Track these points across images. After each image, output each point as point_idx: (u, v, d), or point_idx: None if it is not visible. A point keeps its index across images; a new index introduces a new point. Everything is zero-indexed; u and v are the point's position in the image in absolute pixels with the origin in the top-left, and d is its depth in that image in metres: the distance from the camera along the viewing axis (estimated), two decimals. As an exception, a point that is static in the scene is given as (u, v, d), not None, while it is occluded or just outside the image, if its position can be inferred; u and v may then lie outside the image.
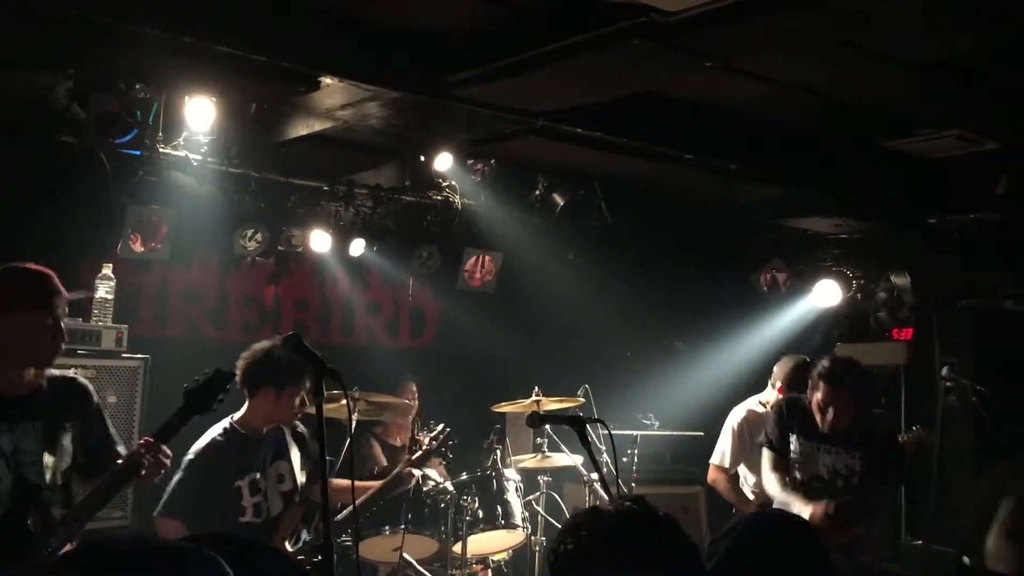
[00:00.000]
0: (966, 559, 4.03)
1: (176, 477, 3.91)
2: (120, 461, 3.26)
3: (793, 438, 4.75)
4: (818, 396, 4.65)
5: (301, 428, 4.29)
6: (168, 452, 3.25)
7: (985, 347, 7.00)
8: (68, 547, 3.03)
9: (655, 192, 6.96)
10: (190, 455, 3.98)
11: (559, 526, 6.20)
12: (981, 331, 7.08)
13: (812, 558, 2.02)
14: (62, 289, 3.17)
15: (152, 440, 3.19)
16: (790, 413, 4.81)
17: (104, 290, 5.37)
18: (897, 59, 4.53)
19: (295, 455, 4.14)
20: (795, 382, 5.49)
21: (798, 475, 4.71)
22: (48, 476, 3.13)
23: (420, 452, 4.80)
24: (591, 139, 5.59)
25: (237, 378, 4.03)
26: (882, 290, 7.81)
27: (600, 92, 4.88)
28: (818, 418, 4.66)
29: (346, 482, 4.40)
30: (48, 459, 3.13)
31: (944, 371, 6.35)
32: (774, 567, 1.98)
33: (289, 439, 4.17)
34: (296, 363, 3.98)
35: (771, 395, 5.69)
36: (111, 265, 5.46)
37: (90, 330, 5.17)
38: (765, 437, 4.87)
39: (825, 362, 4.72)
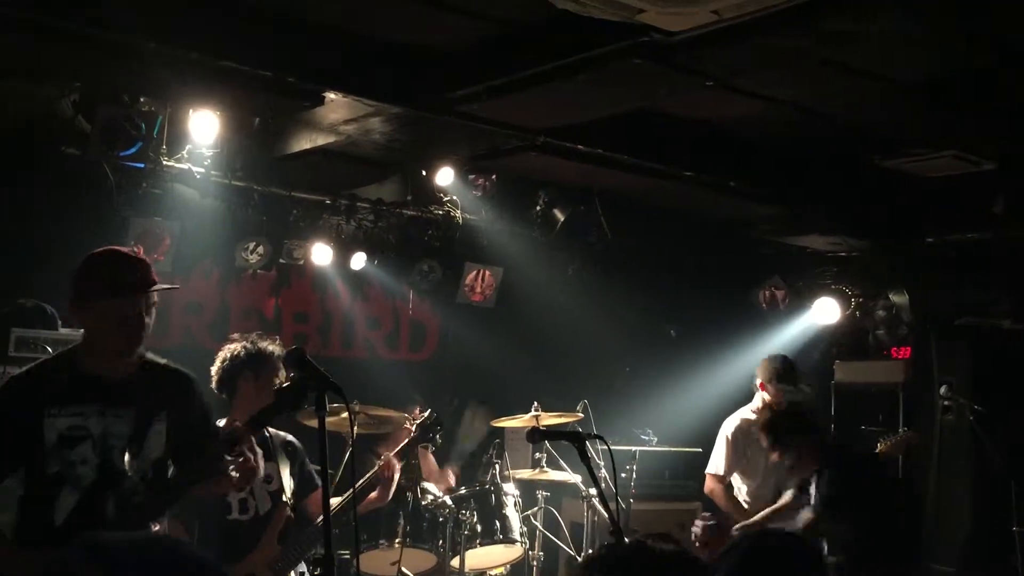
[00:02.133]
0: None
1: None
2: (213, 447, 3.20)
3: None
4: None
5: (291, 439, 4.29)
6: (255, 448, 3.23)
7: (983, 366, 7.02)
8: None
9: (655, 208, 6.99)
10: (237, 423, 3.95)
11: (557, 541, 6.24)
12: (979, 350, 7.11)
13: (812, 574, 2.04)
14: (152, 278, 3.14)
15: (247, 426, 3.15)
16: None
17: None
18: (893, 79, 4.57)
19: (282, 461, 4.14)
20: (775, 376, 5.66)
21: None
22: (136, 464, 3.10)
23: (403, 443, 4.69)
24: (592, 155, 5.63)
25: (213, 384, 4.07)
26: (880, 308, 7.83)
27: (601, 110, 4.93)
28: None
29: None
30: (135, 447, 3.10)
31: (942, 390, 6.37)
32: None
33: (277, 445, 4.17)
34: (266, 350, 4.03)
35: (759, 400, 5.74)
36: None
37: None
38: None
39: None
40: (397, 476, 4.54)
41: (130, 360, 3.15)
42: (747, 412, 5.85)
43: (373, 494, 4.48)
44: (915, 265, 7.37)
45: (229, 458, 3.16)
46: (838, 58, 4.28)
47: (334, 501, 4.38)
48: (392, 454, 4.52)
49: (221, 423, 4.00)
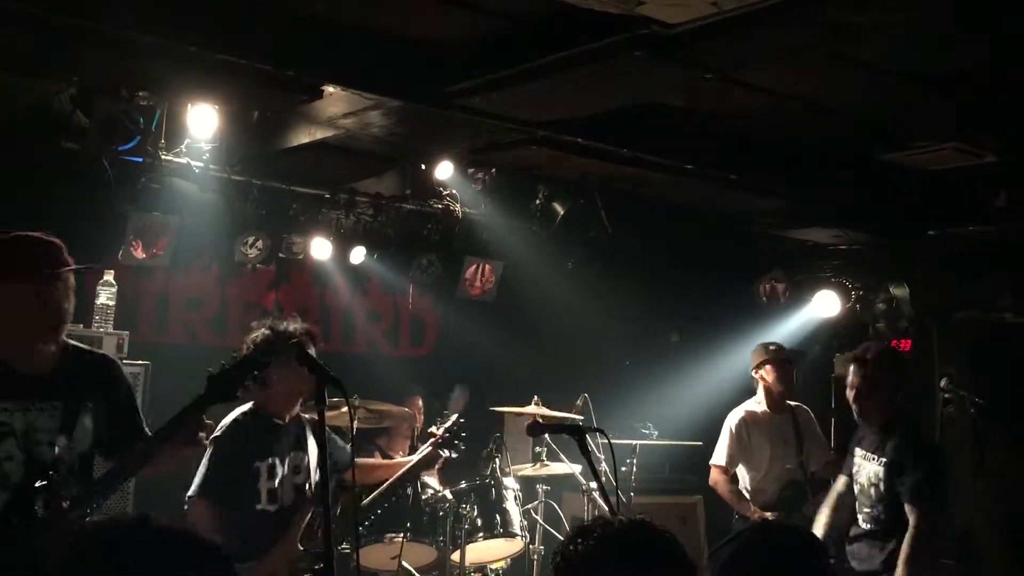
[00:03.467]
0: None
1: (207, 454, 3.84)
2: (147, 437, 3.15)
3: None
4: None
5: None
6: (205, 423, 3.19)
7: (983, 359, 7.01)
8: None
9: (655, 202, 6.98)
10: (216, 432, 3.89)
11: (557, 535, 6.24)
12: (979, 343, 7.10)
13: (814, 570, 2.03)
14: (67, 259, 3.05)
15: (158, 437, 3.09)
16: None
17: (105, 296, 5.39)
18: (894, 71, 4.55)
19: (312, 450, 4.09)
20: (760, 356, 5.75)
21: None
22: (64, 457, 3.02)
23: (441, 437, 4.60)
24: (592, 149, 5.62)
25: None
26: (881, 301, 7.81)
27: (601, 103, 4.91)
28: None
29: (374, 460, 4.37)
30: (64, 441, 3.03)
31: (942, 382, 6.36)
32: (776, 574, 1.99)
33: (308, 433, 4.12)
34: (298, 349, 3.95)
35: (761, 393, 5.77)
36: (112, 271, 5.47)
37: (91, 336, 5.18)
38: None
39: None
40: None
41: (51, 349, 3.06)
42: (751, 404, 5.88)
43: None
44: (916, 258, 7.36)
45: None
46: (839, 51, 4.26)
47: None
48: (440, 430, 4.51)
49: (245, 405, 4.00)
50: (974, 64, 4.46)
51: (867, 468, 4.58)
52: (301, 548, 3.93)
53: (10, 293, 2.96)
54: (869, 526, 4.52)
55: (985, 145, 5.46)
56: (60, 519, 2.91)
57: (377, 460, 4.41)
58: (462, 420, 4.77)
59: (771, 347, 5.85)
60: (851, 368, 4.65)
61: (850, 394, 4.65)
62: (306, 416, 4.19)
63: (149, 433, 3.25)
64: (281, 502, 3.98)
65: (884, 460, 4.47)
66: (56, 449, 3.01)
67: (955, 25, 3.98)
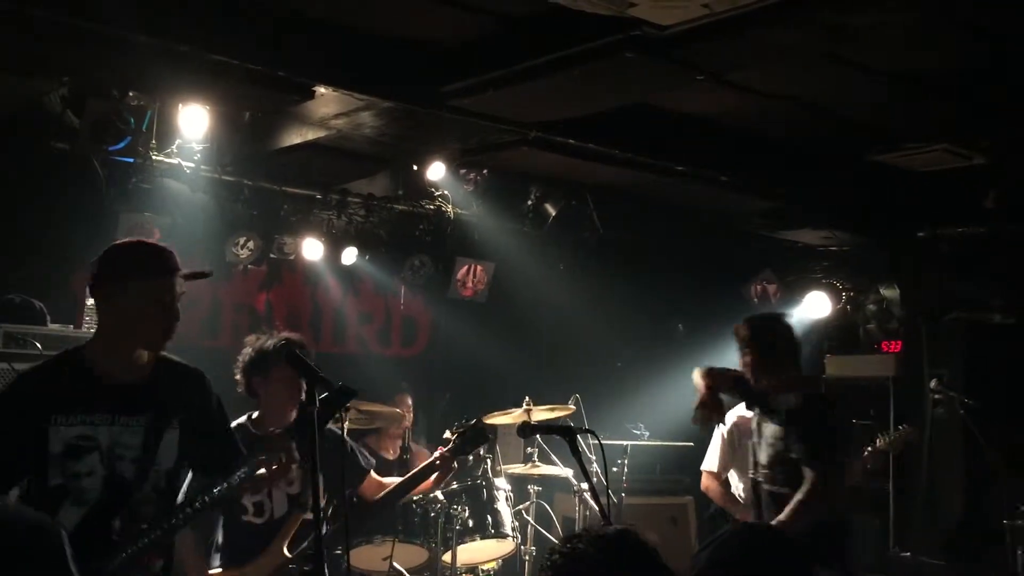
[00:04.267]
0: None
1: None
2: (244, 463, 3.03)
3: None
4: None
5: (330, 429, 4.11)
6: (296, 456, 3.05)
7: (973, 360, 7.04)
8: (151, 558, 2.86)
9: (647, 203, 6.99)
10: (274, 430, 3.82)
11: (549, 536, 6.24)
12: (969, 344, 7.13)
13: (794, 572, 2.04)
14: (180, 266, 2.99)
15: (284, 433, 3.03)
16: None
17: (96, 297, 5.37)
18: (886, 73, 4.57)
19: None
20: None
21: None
22: (147, 475, 2.90)
23: (457, 438, 4.35)
24: (584, 150, 5.62)
25: (240, 376, 3.98)
26: (871, 302, 7.85)
27: (593, 104, 4.92)
28: None
29: (375, 479, 4.32)
30: (146, 458, 2.90)
31: (932, 384, 6.39)
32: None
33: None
34: (266, 348, 3.91)
35: None
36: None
37: (81, 337, 5.16)
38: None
39: None
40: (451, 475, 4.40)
41: (146, 361, 2.97)
42: (742, 409, 5.83)
43: (428, 481, 4.33)
44: (906, 259, 7.39)
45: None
46: (832, 52, 4.28)
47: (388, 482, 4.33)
48: (445, 451, 4.28)
49: (237, 420, 3.95)
50: (965, 66, 4.49)
51: (766, 431, 4.57)
52: (288, 555, 3.88)
53: (146, 289, 2.90)
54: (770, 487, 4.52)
55: (975, 147, 5.49)
56: (133, 540, 2.80)
57: (394, 480, 4.32)
58: (481, 425, 4.63)
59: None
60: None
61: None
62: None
63: (243, 449, 3.17)
64: (270, 514, 3.93)
65: (782, 423, 4.48)
66: (138, 467, 2.89)
67: (948, 27, 4.00)
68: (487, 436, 4.50)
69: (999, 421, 6.14)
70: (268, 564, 3.83)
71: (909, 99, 4.91)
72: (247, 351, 4.00)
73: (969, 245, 6.93)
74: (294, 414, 4.00)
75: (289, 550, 3.91)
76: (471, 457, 5.35)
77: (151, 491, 2.91)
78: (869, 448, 5.81)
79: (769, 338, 4.70)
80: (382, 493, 4.21)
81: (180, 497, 3.05)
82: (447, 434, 4.82)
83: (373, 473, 4.26)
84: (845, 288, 7.90)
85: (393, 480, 4.30)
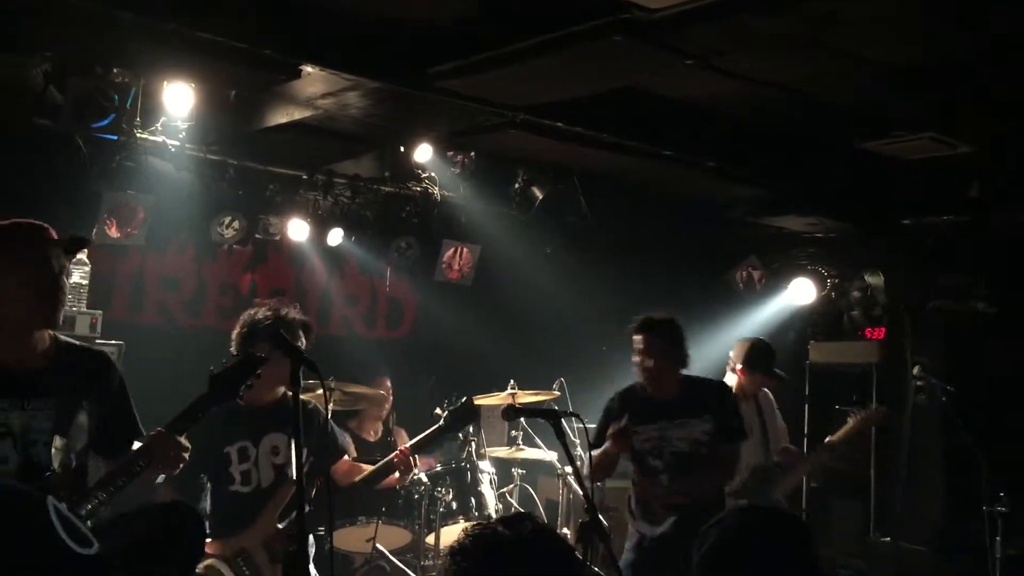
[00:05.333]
0: None
1: None
2: (134, 450, 3.03)
3: (640, 427, 4.53)
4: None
5: (312, 404, 4.18)
6: (185, 444, 3.06)
7: (955, 348, 7.09)
8: None
9: (634, 188, 6.99)
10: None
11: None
12: (952, 332, 7.18)
13: (800, 553, 2.05)
14: (54, 238, 2.92)
15: (164, 431, 3.02)
16: (623, 403, 4.64)
17: (79, 275, 5.34)
18: (873, 61, 4.57)
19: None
20: (753, 361, 5.50)
21: (656, 462, 4.52)
22: (60, 458, 2.90)
23: (428, 432, 4.30)
24: (571, 134, 5.61)
25: (234, 348, 3.94)
26: (856, 289, 7.89)
27: (581, 87, 4.90)
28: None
29: (350, 462, 4.31)
30: (59, 441, 2.91)
31: (915, 370, 6.43)
32: (762, 561, 2.00)
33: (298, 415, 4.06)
34: (287, 317, 3.89)
35: (732, 379, 5.70)
36: (86, 250, 5.42)
37: (64, 315, 5.13)
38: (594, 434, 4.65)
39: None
40: (416, 469, 4.31)
41: (43, 344, 2.95)
42: None
43: (392, 478, 4.34)
44: (891, 247, 7.42)
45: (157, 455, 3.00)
46: (820, 39, 4.27)
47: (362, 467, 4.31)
48: (408, 447, 4.20)
49: None
50: (953, 56, 4.49)
51: (683, 432, 4.53)
52: (280, 527, 3.90)
53: (29, 273, 2.85)
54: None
55: (961, 136, 5.50)
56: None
57: (366, 468, 4.31)
58: (471, 403, 4.62)
59: (756, 354, 5.53)
60: (634, 339, 4.60)
61: (638, 366, 4.58)
62: (305, 399, 4.13)
63: (143, 433, 3.16)
64: (257, 483, 3.94)
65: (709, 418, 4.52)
66: (53, 450, 2.90)
67: (937, 17, 4.00)
68: (477, 413, 4.54)
69: (980, 408, 6.19)
70: (259, 534, 3.85)
71: (896, 87, 4.91)
72: (258, 313, 3.97)
73: (953, 234, 6.96)
74: (281, 387, 4.00)
75: (279, 520, 3.92)
76: (460, 436, 5.34)
77: (64, 475, 2.91)
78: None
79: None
80: (354, 479, 4.19)
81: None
82: (438, 411, 4.84)
83: (347, 457, 4.25)
84: (830, 275, 7.93)
85: (366, 467, 4.31)
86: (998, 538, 5.37)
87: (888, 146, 5.75)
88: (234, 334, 3.98)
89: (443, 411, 4.63)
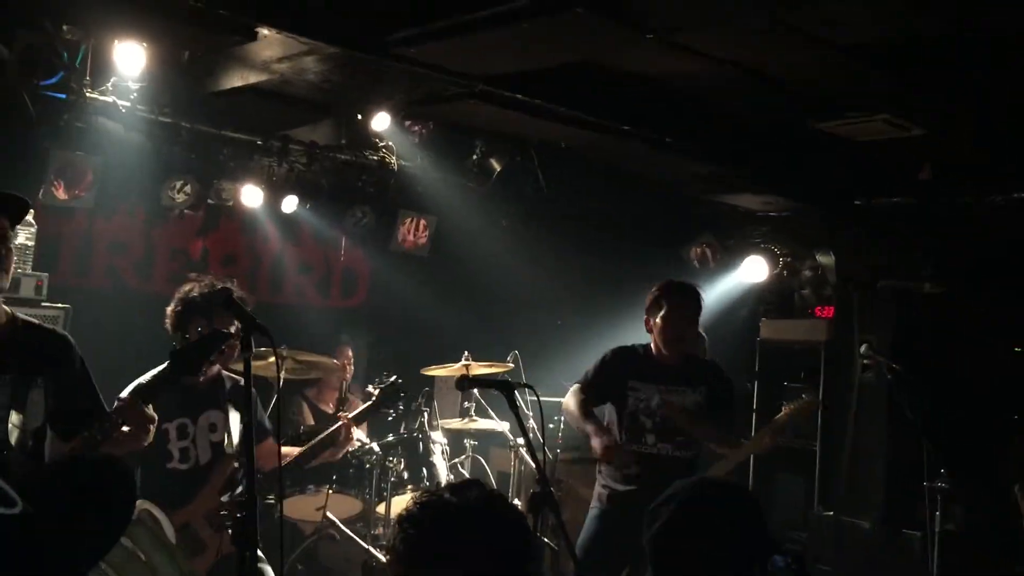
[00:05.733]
0: None
1: None
2: (103, 414, 3.00)
3: (637, 384, 4.62)
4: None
5: (237, 384, 4.13)
6: (152, 416, 3.04)
7: (902, 327, 7.23)
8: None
9: (591, 162, 6.99)
10: (125, 394, 3.84)
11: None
12: (899, 312, 7.32)
13: (752, 525, 2.08)
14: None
15: (131, 398, 2.98)
16: (622, 359, 4.72)
17: (24, 236, 5.21)
18: (831, 42, 4.60)
19: (232, 408, 4.03)
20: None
21: (646, 420, 4.58)
22: (15, 436, 2.87)
23: (361, 408, 4.61)
24: (530, 106, 5.58)
25: (169, 328, 3.91)
26: (807, 268, 8.00)
27: (541, 59, 4.88)
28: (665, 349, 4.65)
29: (289, 449, 4.31)
30: (15, 417, 2.88)
31: (862, 349, 6.54)
32: (714, 535, 2.03)
33: (228, 391, 4.05)
34: (225, 295, 3.85)
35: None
36: (32, 211, 5.29)
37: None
38: (584, 374, 4.77)
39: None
40: (352, 442, 4.43)
41: (4, 322, 2.92)
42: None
43: (327, 452, 4.40)
44: (842, 227, 7.52)
45: (119, 423, 2.97)
46: (779, 19, 4.29)
47: (287, 452, 4.33)
48: (351, 417, 4.41)
49: (161, 366, 3.85)
50: (908, 39, 4.53)
51: (677, 399, 4.60)
52: (222, 500, 3.91)
53: None
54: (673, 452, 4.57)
55: (914, 119, 5.57)
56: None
57: (294, 450, 4.33)
58: (400, 380, 4.74)
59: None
60: (676, 304, 4.61)
61: (673, 330, 4.58)
62: (229, 374, 4.13)
63: (107, 409, 3.11)
64: (195, 460, 3.94)
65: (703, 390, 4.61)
66: (8, 426, 2.85)
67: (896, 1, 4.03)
68: (402, 390, 4.68)
69: (924, 386, 6.32)
70: (200, 509, 3.84)
71: (856, 69, 4.96)
72: (192, 290, 3.90)
73: (903, 215, 7.07)
74: (217, 367, 3.99)
75: (221, 495, 3.93)
76: (393, 413, 5.36)
77: (20, 452, 2.87)
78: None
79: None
80: (278, 463, 4.18)
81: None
82: (370, 388, 4.91)
83: (271, 441, 4.19)
84: (782, 253, 8.02)
85: (292, 451, 4.30)
86: (937, 513, 5.50)
87: (842, 127, 5.81)
88: (168, 311, 3.91)
89: (375, 388, 4.81)
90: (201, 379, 3.95)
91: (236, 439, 4.02)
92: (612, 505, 4.57)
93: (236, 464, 4.00)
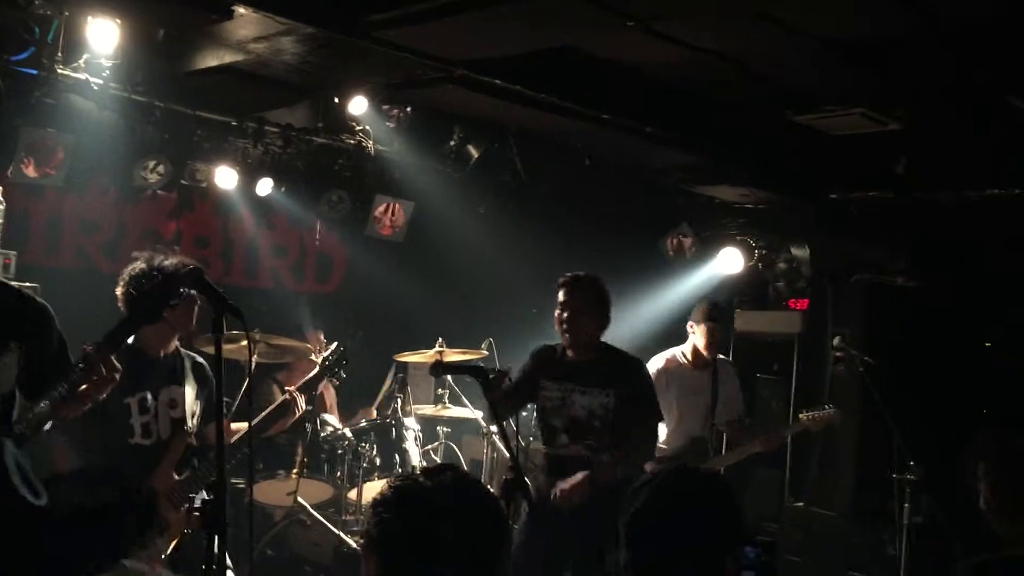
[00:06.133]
0: None
1: None
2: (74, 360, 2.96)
3: (547, 383, 4.54)
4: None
5: (202, 361, 4.16)
6: (117, 365, 3.01)
7: (875, 320, 7.29)
8: None
9: (570, 150, 6.97)
10: (89, 345, 3.78)
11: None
12: (872, 305, 7.37)
13: (727, 513, 2.08)
14: None
15: (100, 345, 2.93)
16: (537, 358, 4.65)
17: (-8, 214, 5.13)
18: (812, 35, 4.61)
19: (189, 385, 4.02)
20: (708, 312, 5.69)
21: (556, 421, 4.51)
22: None
23: (308, 376, 4.58)
24: (509, 92, 5.54)
25: (121, 305, 3.87)
26: (782, 260, 8.04)
27: (521, 44, 4.84)
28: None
29: (237, 424, 4.28)
30: None
31: (835, 341, 6.58)
32: (691, 521, 2.03)
33: (187, 368, 4.04)
34: (166, 269, 3.79)
35: (690, 343, 5.73)
36: (0, 188, 5.21)
37: (-24, 255, 4.94)
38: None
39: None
40: (301, 411, 4.41)
41: None
42: (676, 352, 5.73)
43: (278, 424, 4.38)
44: (817, 220, 7.56)
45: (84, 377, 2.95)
46: (760, 10, 4.28)
47: (236, 429, 4.30)
48: (295, 389, 4.42)
49: None
50: (887, 34, 4.54)
51: (585, 400, 4.48)
52: (177, 478, 3.90)
53: None
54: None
55: (890, 113, 5.60)
56: None
57: (237, 425, 4.30)
58: (342, 348, 4.73)
59: (711, 308, 5.72)
60: (561, 297, 4.59)
61: (559, 324, 4.56)
62: (188, 352, 4.10)
63: None
64: (157, 436, 3.91)
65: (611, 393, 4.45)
66: None
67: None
68: (344, 361, 4.65)
69: (894, 378, 6.38)
70: (158, 485, 3.80)
71: (832, 62, 4.96)
72: (137, 268, 3.86)
73: (878, 209, 7.11)
74: (175, 341, 3.95)
75: (177, 472, 3.92)
76: (337, 381, 5.32)
77: None
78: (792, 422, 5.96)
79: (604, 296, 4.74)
80: (232, 438, 4.14)
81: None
82: (312, 357, 4.92)
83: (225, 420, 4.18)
84: (758, 245, 8.05)
85: (242, 426, 4.27)
86: (906, 505, 5.56)
87: (819, 120, 5.83)
88: (118, 292, 3.86)
89: (316, 356, 4.97)
90: (162, 353, 3.95)
91: (194, 415, 4.00)
92: (537, 515, 4.39)
93: (192, 440, 3.99)
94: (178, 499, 3.87)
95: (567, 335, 4.55)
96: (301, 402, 4.31)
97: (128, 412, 3.83)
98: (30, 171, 5.55)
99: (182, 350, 4.07)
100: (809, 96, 5.57)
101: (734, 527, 2.07)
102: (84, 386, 2.99)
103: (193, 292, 3.61)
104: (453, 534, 1.78)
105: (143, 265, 3.84)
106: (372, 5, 4.50)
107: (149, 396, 3.90)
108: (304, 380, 4.57)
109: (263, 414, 4.29)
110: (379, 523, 1.80)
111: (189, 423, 3.98)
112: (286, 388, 4.41)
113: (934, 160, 6.33)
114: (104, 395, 3.11)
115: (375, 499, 1.85)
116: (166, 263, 3.83)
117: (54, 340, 3.10)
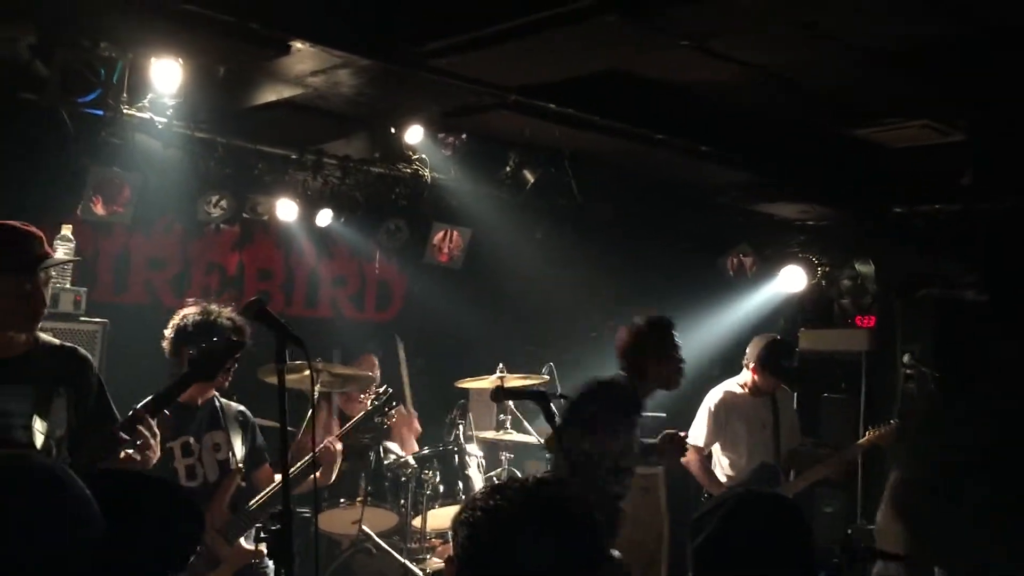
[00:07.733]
0: None
1: None
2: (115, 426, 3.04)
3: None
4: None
5: (243, 409, 4.16)
6: (155, 430, 3.06)
7: (945, 336, 7.09)
8: None
9: (626, 171, 6.95)
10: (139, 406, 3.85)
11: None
12: (941, 320, 7.18)
13: (799, 539, 2.02)
14: (47, 251, 2.99)
15: (142, 410, 3.01)
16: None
17: (63, 252, 5.27)
18: (867, 47, 4.54)
19: (235, 431, 4.04)
20: (765, 360, 5.51)
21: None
22: (40, 441, 2.92)
23: (352, 421, 4.59)
24: (564, 116, 5.56)
25: (166, 348, 3.94)
26: (846, 277, 7.88)
27: (574, 67, 4.85)
28: None
29: (270, 469, 4.25)
30: (40, 424, 2.94)
31: (905, 358, 6.42)
32: (763, 547, 1.97)
33: (230, 416, 4.07)
34: (214, 322, 3.86)
35: (747, 376, 5.66)
36: (71, 227, 5.35)
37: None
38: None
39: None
40: (339, 460, 4.30)
41: (22, 339, 3.00)
42: (732, 385, 5.67)
43: (317, 474, 4.33)
44: (882, 235, 7.41)
45: (127, 438, 3.00)
46: (814, 23, 4.23)
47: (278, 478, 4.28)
48: (335, 438, 4.34)
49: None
50: (946, 43, 4.46)
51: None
52: (229, 514, 3.93)
53: (7, 284, 2.88)
54: None
55: (953, 124, 5.48)
56: None
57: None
58: (391, 389, 4.75)
59: (769, 359, 5.54)
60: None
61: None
62: (226, 400, 4.14)
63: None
64: (203, 479, 3.94)
65: None
66: (33, 431, 2.92)
67: (930, 3, 3.97)
68: (393, 399, 4.69)
69: (968, 395, 6.19)
70: (211, 522, 3.83)
71: (891, 74, 4.89)
72: (187, 316, 3.93)
73: (944, 222, 6.95)
74: (211, 392, 4.02)
75: (229, 509, 3.96)
76: (386, 423, 5.32)
77: (46, 455, 2.90)
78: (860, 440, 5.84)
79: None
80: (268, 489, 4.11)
81: None
82: (362, 397, 4.90)
83: (268, 466, 4.19)
84: (820, 263, 7.91)
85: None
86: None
87: (880, 133, 5.73)
88: (167, 339, 3.94)
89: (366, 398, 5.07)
90: (200, 401, 3.98)
91: (240, 457, 4.02)
92: None
93: (242, 482, 4.01)
94: (232, 534, 3.88)
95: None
96: (337, 448, 4.23)
97: (171, 456, 3.87)
98: (99, 209, 5.71)
99: (220, 400, 4.11)
100: (869, 109, 5.49)
101: (806, 552, 2.02)
102: (125, 457, 3.03)
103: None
104: (547, 552, 1.68)
105: (198, 318, 3.89)
106: (425, 35, 4.55)
107: (192, 440, 3.94)
108: (346, 426, 4.57)
109: (294, 469, 4.15)
110: (469, 539, 1.72)
111: (236, 464, 4.01)
112: (327, 440, 4.34)
113: (1001, 169, 6.17)
114: (150, 463, 3.14)
115: (463, 517, 1.77)
116: (223, 320, 3.88)
117: (94, 383, 3.18)
